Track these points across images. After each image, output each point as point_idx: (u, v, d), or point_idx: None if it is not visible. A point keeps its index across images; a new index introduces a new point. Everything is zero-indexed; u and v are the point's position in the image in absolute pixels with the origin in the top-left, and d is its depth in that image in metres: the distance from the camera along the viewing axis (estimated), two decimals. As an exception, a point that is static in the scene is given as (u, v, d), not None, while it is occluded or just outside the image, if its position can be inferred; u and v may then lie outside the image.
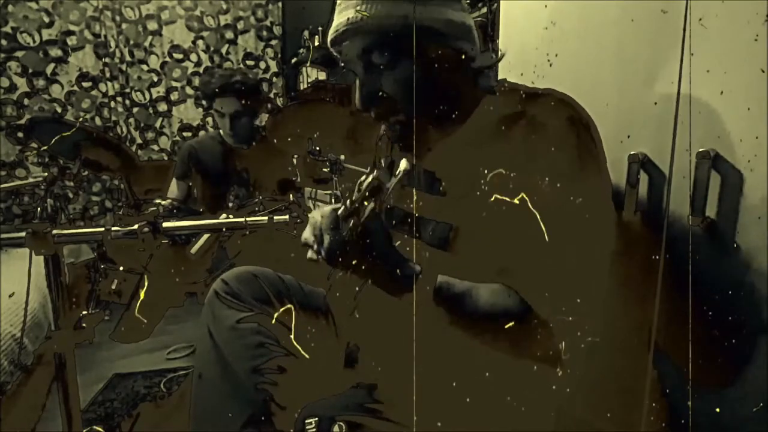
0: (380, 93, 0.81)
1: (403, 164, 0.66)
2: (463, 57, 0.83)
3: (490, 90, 0.86)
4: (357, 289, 0.98)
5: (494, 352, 0.76)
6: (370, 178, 0.64)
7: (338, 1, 0.79)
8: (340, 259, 0.69)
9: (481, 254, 0.77)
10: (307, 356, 1.03)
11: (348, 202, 0.66)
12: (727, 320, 0.82)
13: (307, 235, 0.73)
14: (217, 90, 2.07)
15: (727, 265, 0.81)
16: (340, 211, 0.69)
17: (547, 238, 0.71)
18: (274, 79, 3.75)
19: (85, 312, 1.01)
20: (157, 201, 1.73)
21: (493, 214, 0.75)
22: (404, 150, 0.87)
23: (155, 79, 3.42)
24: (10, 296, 1.58)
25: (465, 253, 0.80)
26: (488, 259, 0.76)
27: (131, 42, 3.31)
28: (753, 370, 0.79)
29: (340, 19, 0.79)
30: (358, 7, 0.77)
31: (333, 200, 1.98)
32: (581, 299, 0.72)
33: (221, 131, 2.31)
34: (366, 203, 0.64)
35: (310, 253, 0.73)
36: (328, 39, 0.82)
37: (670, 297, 0.88)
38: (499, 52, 1.28)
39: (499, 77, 1.28)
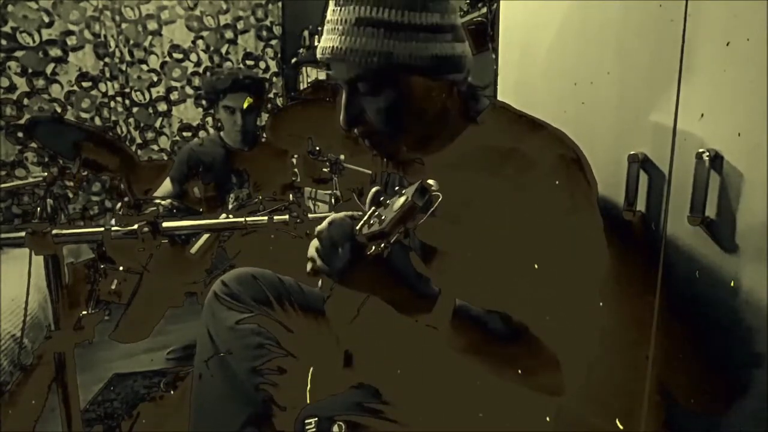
0: (363, 115, 0.80)
1: (433, 185, 0.58)
2: (453, 86, 0.81)
3: (477, 115, 0.85)
4: (361, 302, 0.98)
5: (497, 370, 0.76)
6: (402, 200, 0.57)
7: (327, 18, 0.77)
8: (350, 277, 0.67)
9: (470, 279, 0.77)
10: (305, 357, 1.03)
11: (378, 222, 0.61)
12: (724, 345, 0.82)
13: (312, 251, 0.71)
14: (228, 86, 2.15)
15: (726, 265, 0.81)
16: (361, 227, 0.64)
17: (539, 274, 0.71)
18: (274, 79, 3.75)
19: (85, 312, 1.01)
20: (157, 201, 1.73)
21: (486, 243, 0.75)
22: (390, 163, 0.86)
23: (155, 78, 3.42)
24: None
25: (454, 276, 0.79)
26: (478, 285, 0.76)
27: (131, 42, 3.31)
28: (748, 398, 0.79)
29: (325, 43, 0.78)
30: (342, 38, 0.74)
31: (333, 200, 1.98)
32: (574, 334, 0.73)
33: (224, 132, 2.31)
34: (399, 226, 0.58)
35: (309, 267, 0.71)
36: (317, 55, 0.80)
37: (666, 306, 0.88)
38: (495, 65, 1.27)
39: (499, 77, 1.29)
